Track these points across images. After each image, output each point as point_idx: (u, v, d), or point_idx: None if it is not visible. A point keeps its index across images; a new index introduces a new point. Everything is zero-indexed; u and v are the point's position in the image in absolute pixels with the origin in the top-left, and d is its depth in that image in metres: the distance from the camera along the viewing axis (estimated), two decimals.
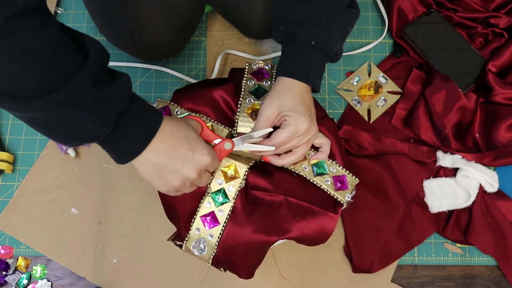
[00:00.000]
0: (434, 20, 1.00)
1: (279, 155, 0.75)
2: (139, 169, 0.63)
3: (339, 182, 0.76)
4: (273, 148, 0.72)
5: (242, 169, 0.75)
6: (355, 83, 0.99)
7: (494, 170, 0.92)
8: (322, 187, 0.76)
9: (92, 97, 0.54)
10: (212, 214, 0.74)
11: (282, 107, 0.71)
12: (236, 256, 0.75)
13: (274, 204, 0.74)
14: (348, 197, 0.76)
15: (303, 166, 0.76)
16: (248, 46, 1.03)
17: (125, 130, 0.59)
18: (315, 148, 0.79)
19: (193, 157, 0.63)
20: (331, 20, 0.73)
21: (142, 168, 0.63)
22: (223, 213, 0.74)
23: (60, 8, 1.07)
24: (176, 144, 0.62)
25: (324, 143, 0.77)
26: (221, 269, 0.79)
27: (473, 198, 0.89)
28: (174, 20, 0.87)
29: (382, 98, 0.97)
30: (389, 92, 0.98)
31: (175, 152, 0.62)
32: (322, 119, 0.81)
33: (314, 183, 0.76)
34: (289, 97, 0.71)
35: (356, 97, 0.97)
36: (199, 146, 0.64)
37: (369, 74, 0.99)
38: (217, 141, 0.71)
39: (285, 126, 0.71)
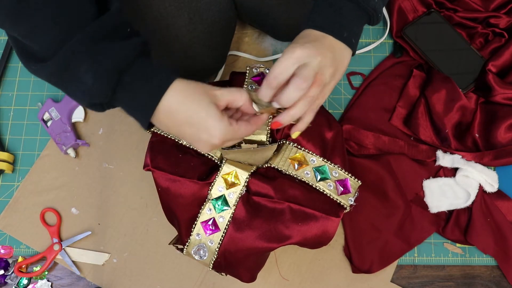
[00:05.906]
0: (434, 20, 1.00)
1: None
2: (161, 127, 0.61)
3: (342, 186, 0.76)
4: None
5: (243, 176, 0.74)
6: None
7: (494, 170, 0.92)
8: (325, 192, 0.75)
9: (90, 51, 0.55)
10: (212, 220, 0.73)
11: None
12: (237, 261, 0.74)
13: (276, 210, 0.73)
14: (351, 200, 0.76)
15: (305, 172, 0.76)
16: (248, 45, 1.03)
17: (130, 86, 0.56)
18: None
19: (199, 138, 0.58)
20: None
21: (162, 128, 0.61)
22: (223, 219, 0.73)
23: None
24: (177, 122, 0.58)
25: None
26: (222, 273, 0.79)
27: (472, 198, 0.89)
28: (215, 37, 0.84)
29: None
30: None
31: (179, 129, 0.59)
32: (330, 125, 0.80)
33: (317, 188, 0.75)
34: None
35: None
36: (205, 127, 0.57)
37: None
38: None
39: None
